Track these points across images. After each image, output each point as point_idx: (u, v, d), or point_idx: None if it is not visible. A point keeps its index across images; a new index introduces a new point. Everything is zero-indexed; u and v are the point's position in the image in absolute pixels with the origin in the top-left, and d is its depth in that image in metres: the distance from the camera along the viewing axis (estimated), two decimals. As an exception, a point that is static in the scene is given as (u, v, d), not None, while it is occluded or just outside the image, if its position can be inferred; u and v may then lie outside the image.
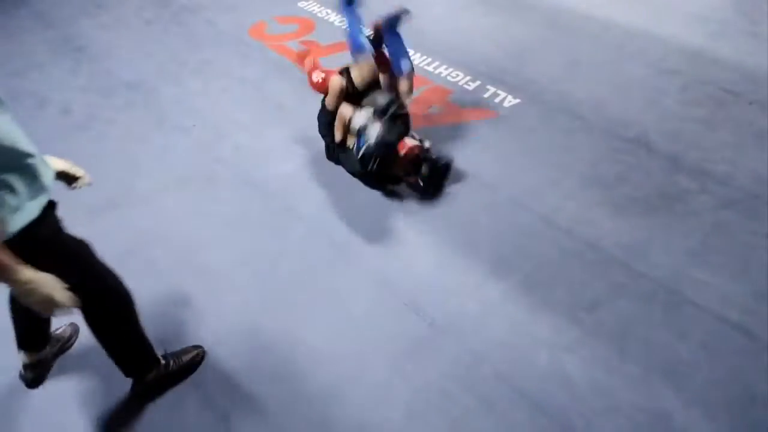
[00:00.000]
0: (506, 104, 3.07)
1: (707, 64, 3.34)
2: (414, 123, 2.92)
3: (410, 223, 2.43)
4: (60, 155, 2.78)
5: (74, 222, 2.40)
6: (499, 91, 3.14)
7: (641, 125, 2.91)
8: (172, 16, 3.82)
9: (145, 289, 2.17)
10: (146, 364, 1.79)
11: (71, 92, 3.16)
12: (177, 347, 1.98)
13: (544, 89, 3.17)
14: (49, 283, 1.28)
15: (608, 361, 1.93)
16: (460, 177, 2.63)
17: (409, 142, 2.49)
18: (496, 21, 3.77)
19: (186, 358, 1.90)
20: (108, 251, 2.29)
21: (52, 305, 1.30)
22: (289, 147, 2.80)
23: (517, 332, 2.02)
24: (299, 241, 2.36)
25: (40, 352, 1.88)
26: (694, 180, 2.60)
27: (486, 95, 3.13)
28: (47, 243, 1.41)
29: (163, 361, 1.83)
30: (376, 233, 2.39)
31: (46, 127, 2.94)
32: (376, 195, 2.56)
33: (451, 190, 2.58)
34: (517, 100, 3.08)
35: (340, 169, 2.68)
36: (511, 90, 3.14)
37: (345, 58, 3.41)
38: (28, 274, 1.25)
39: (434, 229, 2.40)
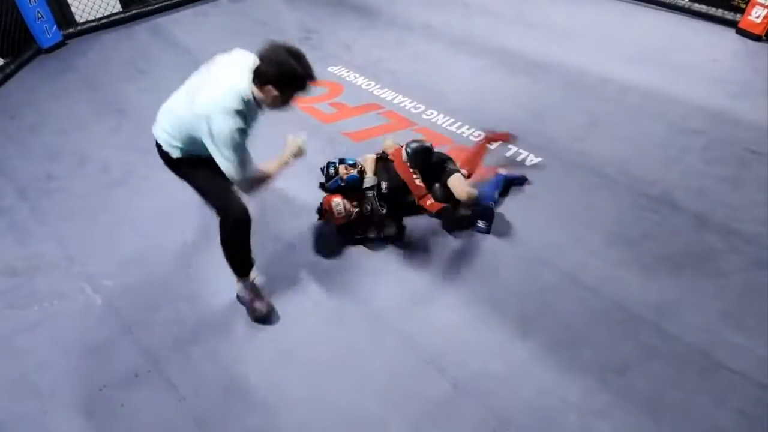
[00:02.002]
0: (528, 163, 3.11)
1: (729, 124, 3.36)
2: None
3: (432, 280, 2.43)
4: (96, 209, 2.95)
5: (104, 275, 2.52)
6: (520, 150, 3.20)
7: (665, 183, 2.91)
8: (208, 80, 4.06)
9: (167, 341, 2.21)
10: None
11: (111, 150, 3.34)
12: (196, 401, 1.97)
13: (566, 148, 3.22)
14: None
15: (641, 427, 1.84)
16: (483, 235, 2.64)
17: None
18: (517, 83, 3.90)
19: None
20: (136, 303, 2.37)
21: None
22: (315, 203, 2.87)
23: (544, 395, 1.96)
24: (317, 297, 2.37)
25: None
26: (723, 239, 2.56)
27: (508, 154, 3.19)
28: None
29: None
30: (397, 290, 2.39)
31: (85, 182, 3.09)
32: (397, 252, 2.58)
33: (475, 247, 2.58)
34: (539, 159, 3.13)
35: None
36: (533, 149, 3.20)
37: (371, 119, 3.56)
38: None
39: (457, 287, 2.39)
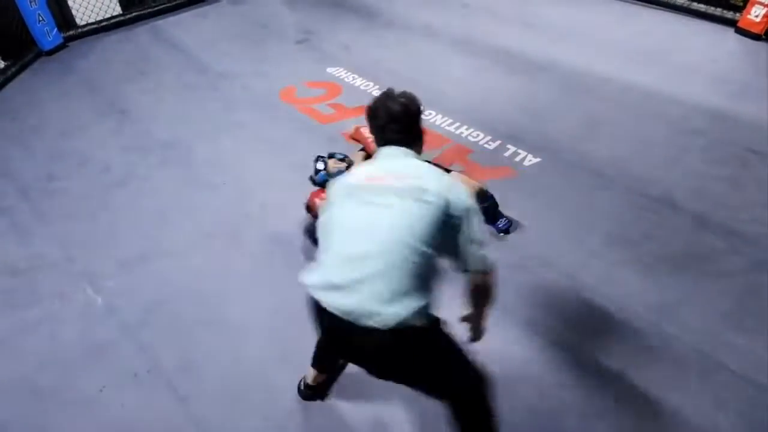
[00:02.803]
0: (526, 163, 3.11)
1: (729, 124, 3.36)
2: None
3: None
4: (97, 210, 2.95)
5: (105, 275, 2.52)
6: (519, 150, 3.20)
7: (665, 183, 2.91)
8: (209, 82, 4.07)
9: (167, 341, 2.21)
10: None
11: (112, 151, 3.34)
12: (199, 399, 1.97)
13: (565, 148, 3.22)
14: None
15: (642, 429, 1.84)
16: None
17: None
18: (515, 82, 3.90)
19: None
20: (136, 303, 2.37)
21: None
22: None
23: (543, 396, 1.95)
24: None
25: (326, 376, 1.99)
26: (724, 239, 2.56)
27: (506, 154, 3.19)
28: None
29: None
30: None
31: (86, 183, 3.10)
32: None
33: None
34: (538, 159, 3.13)
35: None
36: (531, 149, 3.20)
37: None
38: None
39: (455, 287, 2.38)
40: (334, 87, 3.94)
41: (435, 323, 1.44)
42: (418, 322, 1.34)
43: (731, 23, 4.47)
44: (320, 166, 2.59)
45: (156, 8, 5.16)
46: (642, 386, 1.97)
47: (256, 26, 4.94)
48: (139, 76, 4.19)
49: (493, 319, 2.24)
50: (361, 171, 1.53)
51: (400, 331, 1.31)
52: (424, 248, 1.35)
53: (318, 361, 1.93)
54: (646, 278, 2.38)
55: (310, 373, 1.97)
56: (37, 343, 2.23)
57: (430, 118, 3.56)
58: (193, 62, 4.36)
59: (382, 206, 1.39)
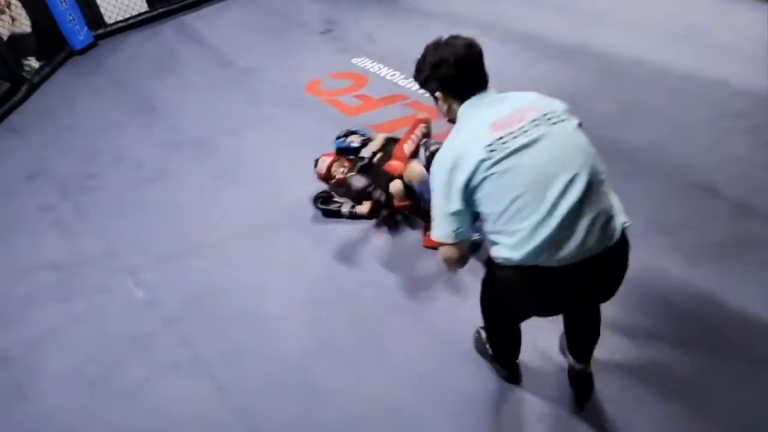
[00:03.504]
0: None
1: (774, 105, 3.22)
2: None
3: (467, 275, 2.42)
4: (133, 205, 3.03)
5: (145, 269, 2.59)
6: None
7: (705, 169, 2.82)
8: (234, 76, 4.11)
9: (207, 333, 2.26)
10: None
11: (145, 148, 3.42)
12: (240, 388, 2.02)
13: (599, 135, 3.07)
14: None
15: (681, 420, 1.81)
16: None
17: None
18: (545, 69, 3.81)
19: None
20: (175, 296, 2.43)
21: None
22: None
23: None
24: (358, 290, 2.39)
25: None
26: (767, 227, 2.47)
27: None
28: None
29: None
30: (436, 285, 2.38)
31: (122, 179, 3.18)
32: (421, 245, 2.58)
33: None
34: (571, 146, 3.06)
35: (397, 218, 2.73)
36: (564, 136, 3.13)
37: (396, 110, 3.54)
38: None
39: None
40: (360, 78, 3.92)
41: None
42: (625, 222, 1.40)
43: (773, 0, 4.26)
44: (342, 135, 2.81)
45: (180, 4, 5.21)
46: (681, 377, 1.93)
47: (278, 18, 4.95)
48: (166, 73, 4.26)
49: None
50: (479, 127, 1.35)
51: (620, 241, 1.39)
52: (596, 156, 1.39)
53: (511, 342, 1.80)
54: (687, 267, 2.32)
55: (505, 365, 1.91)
56: (85, 334, 2.31)
57: (458, 106, 3.52)
58: (218, 57, 4.40)
59: (543, 142, 1.31)
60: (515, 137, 1.32)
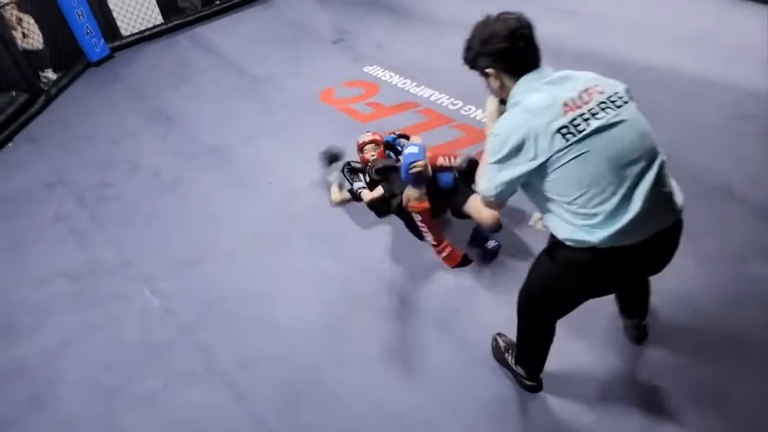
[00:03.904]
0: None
1: (787, 108, 3.19)
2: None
3: (481, 280, 2.41)
4: (149, 214, 3.06)
5: (161, 277, 2.61)
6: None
7: (720, 173, 2.79)
8: (248, 85, 4.16)
9: (223, 341, 2.27)
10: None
11: (160, 157, 3.46)
12: (256, 396, 2.02)
13: (612, 140, 3.12)
14: None
15: (708, 424, 1.78)
16: (526, 230, 2.60)
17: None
18: (557, 75, 3.81)
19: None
20: (190, 304, 2.45)
21: None
22: (360, 204, 2.90)
23: (604, 393, 1.91)
24: (372, 296, 2.39)
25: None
26: (787, 230, 2.44)
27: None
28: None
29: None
30: (449, 291, 2.37)
31: (138, 188, 3.22)
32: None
33: (519, 242, 2.55)
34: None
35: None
36: (577, 141, 3.12)
37: (408, 117, 3.56)
38: None
39: (507, 285, 2.35)
40: (372, 86, 3.95)
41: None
42: (682, 199, 1.47)
43: (782, 3, 4.24)
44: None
45: (195, 16, 5.29)
46: (707, 382, 1.90)
47: (291, 28, 5.00)
48: (181, 83, 4.31)
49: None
50: (548, 106, 1.34)
51: (679, 217, 1.46)
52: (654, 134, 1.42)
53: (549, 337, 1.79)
54: (706, 271, 2.29)
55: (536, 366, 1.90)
56: (101, 343, 2.33)
57: (469, 113, 3.53)
58: (232, 67, 4.46)
59: (615, 127, 1.34)
60: (587, 120, 1.32)
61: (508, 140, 1.36)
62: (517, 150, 1.35)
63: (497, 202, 1.50)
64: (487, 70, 1.46)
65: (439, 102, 3.68)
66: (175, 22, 5.19)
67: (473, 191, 2.33)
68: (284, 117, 3.71)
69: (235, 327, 2.33)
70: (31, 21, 4.23)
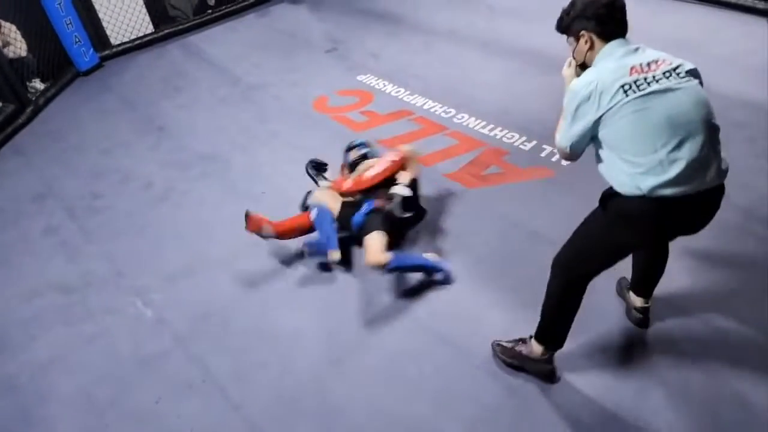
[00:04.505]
0: (564, 162, 3.07)
1: (774, 115, 3.25)
2: (471, 184, 2.98)
3: (474, 285, 2.41)
4: (141, 225, 3.02)
5: (153, 289, 2.57)
6: (555, 150, 3.15)
7: (711, 179, 2.83)
8: (242, 94, 4.14)
9: (217, 351, 2.24)
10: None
11: (152, 167, 3.42)
12: (253, 406, 1.99)
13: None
14: None
15: (700, 424, 1.79)
16: (523, 236, 2.61)
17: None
18: (547, 83, 3.85)
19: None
20: (184, 315, 2.42)
21: None
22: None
23: (600, 395, 1.91)
24: (366, 302, 2.38)
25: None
26: (777, 234, 2.47)
27: (543, 154, 3.16)
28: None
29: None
30: (448, 299, 2.37)
31: (129, 199, 3.18)
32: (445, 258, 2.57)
33: (515, 249, 2.55)
34: (578, 159, 3.08)
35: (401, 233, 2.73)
36: (570, 149, 3.15)
37: (402, 126, 3.57)
38: None
39: (506, 293, 2.36)
40: (366, 95, 3.96)
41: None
42: (728, 165, 1.60)
43: (764, 14, 4.37)
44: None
45: (186, 25, 5.28)
46: (698, 381, 1.92)
47: (284, 37, 5.01)
48: (173, 92, 4.29)
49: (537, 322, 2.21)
50: (620, 68, 1.54)
51: (722, 181, 1.58)
52: (713, 109, 1.57)
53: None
54: (695, 274, 2.32)
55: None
56: (94, 357, 2.29)
57: (462, 121, 3.55)
58: (225, 75, 4.45)
59: (673, 93, 1.51)
60: (649, 83, 1.51)
61: (578, 94, 1.56)
62: (585, 102, 1.54)
63: (572, 153, 1.66)
64: (582, 32, 1.64)
65: (432, 110, 3.70)
66: (166, 31, 5.17)
67: (380, 228, 2.41)
68: (278, 126, 3.71)
69: (229, 337, 2.30)
70: (13, 28, 4.17)
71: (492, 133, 3.40)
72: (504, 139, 3.33)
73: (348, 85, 4.09)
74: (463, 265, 2.50)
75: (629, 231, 1.64)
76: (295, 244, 2.72)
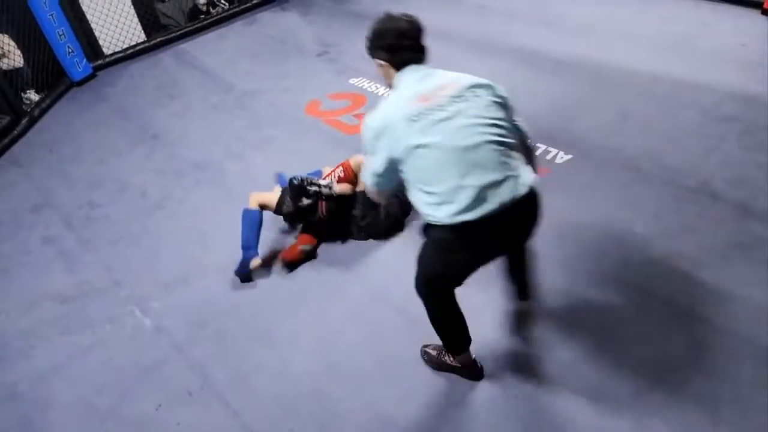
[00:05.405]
0: (558, 161, 3.09)
1: (765, 108, 3.27)
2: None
3: (469, 287, 2.43)
4: (138, 234, 3.03)
5: (151, 297, 2.59)
6: (550, 149, 3.18)
7: (703, 173, 2.85)
8: (235, 101, 4.16)
9: (216, 357, 2.26)
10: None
11: (147, 176, 3.44)
12: (252, 412, 2.01)
13: (596, 144, 3.18)
14: None
15: (699, 425, 1.80)
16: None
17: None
18: (540, 81, 3.87)
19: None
20: (182, 322, 2.43)
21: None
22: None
23: (595, 396, 1.93)
24: (364, 306, 2.39)
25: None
26: (769, 227, 2.49)
27: (537, 153, 3.17)
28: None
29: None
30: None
31: (126, 208, 3.19)
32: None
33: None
34: (569, 156, 3.10)
35: (398, 235, 2.74)
36: (562, 147, 3.17)
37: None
38: None
39: (496, 290, 2.37)
40: (358, 97, 3.97)
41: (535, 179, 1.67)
42: (532, 178, 1.63)
43: (757, 5, 4.38)
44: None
45: (178, 33, 5.29)
46: (696, 381, 1.93)
47: (275, 43, 5.02)
48: (167, 100, 4.30)
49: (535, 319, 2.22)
50: (407, 99, 1.56)
51: (529, 193, 1.59)
52: (507, 126, 1.61)
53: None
54: (691, 271, 2.34)
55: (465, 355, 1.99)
56: (93, 366, 2.30)
57: (455, 122, 3.56)
58: (218, 83, 4.46)
59: (458, 117, 1.53)
60: (434, 111, 1.53)
61: (371, 130, 1.59)
62: (379, 137, 1.57)
63: (379, 190, 1.72)
64: (379, 62, 1.69)
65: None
66: (159, 39, 5.18)
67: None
68: (271, 131, 3.72)
69: (228, 343, 2.32)
70: (5, 39, 4.18)
71: (485, 133, 3.41)
72: (497, 139, 3.34)
73: (340, 88, 4.11)
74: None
75: (452, 255, 1.64)
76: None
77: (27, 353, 2.40)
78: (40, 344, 2.43)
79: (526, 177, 1.60)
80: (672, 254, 2.43)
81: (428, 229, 1.65)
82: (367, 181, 1.71)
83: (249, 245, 2.56)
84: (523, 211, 1.62)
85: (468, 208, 1.51)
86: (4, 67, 4.13)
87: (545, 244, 2.56)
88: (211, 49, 5.08)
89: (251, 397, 2.09)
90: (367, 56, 1.81)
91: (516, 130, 1.72)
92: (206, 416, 2.05)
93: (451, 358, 2.00)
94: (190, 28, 5.36)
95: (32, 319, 2.56)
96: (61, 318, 2.54)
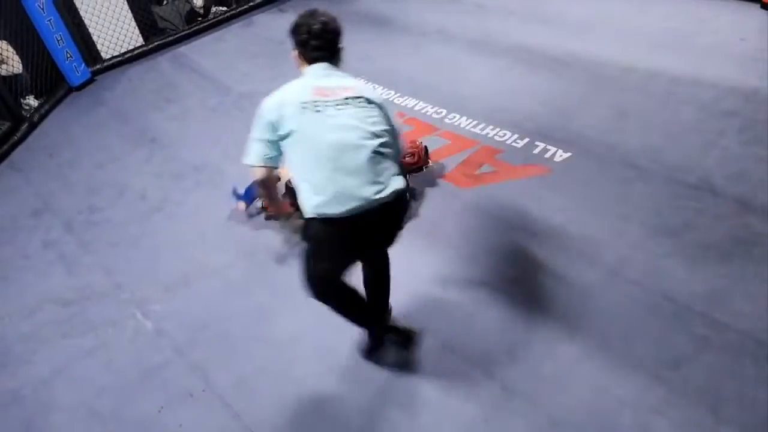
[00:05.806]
0: (557, 159, 3.09)
1: (764, 103, 3.27)
2: (464, 183, 2.99)
3: (468, 284, 2.43)
4: (138, 237, 3.04)
5: (152, 300, 2.59)
6: (548, 147, 3.18)
7: (702, 169, 2.85)
8: (233, 103, 4.16)
9: (218, 360, 2.26)
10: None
11: (147, 179, 3.44)
12: (253, 414, 2.01)
13: (595, 141, 3.18)
14: None
15: (700, 421, 1.80)
16: (518, 235, 2.63)
17: None
18: (539, 79, 3.87)
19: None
20: (183, 325, 2.43)
21: None
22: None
23: (596, 393, 1.93)
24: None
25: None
26: (769, 222, 2.49)
27: (536, 151, 3.17)
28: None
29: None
30: (438, 303, 2.39)
31: (125, 211, 3.20)
32: (429, 249, 2.58)
33: (513, 247, 2.57)
34: (569, 154, 3.10)
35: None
36: (561, 144, 3.17)
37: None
38: None
39: (497, 288, 2.38)
40: (356, 98, 3.97)
41: (405, 189, 1.78)
42: (399, 187, 1.72)
43: (756, 0, 4.37)
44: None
45: (176, 36, 5.30)
46: (697, 377, 1.93)
47: (272, 45, 5.02)
48: (165, 104, 4.31)
49: (535, 317, 2.23)
50: (305, 87, 1.70)
51: (396, 197, 1.71)
52: (386, 137, 1.72)
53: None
54: (692, 267, 2.33)
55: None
56: (95, 369, 2.31)
57: (453, 121, 3.57)
58: (216, 85, 4.46)
59: (344, 117, 1.65)
60: (327, 105, 1.66)
61: (266, 110, 1.71)
62: (270, 114, 1.69)
63: (258, 169, 1.79)
64: (293, 52, 1.83)
65: (423, 111, 3.72)
66: (156, 43, 5.19)
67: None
68: (270, 133, 3.72)
69: (229, 345, 2.32)
70: (4, 45, 4.19)
71: (484, 132, 3.42)
72: (496, 138, 3.34)
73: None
74: (457, 265, 2.52)
75: (324, 245, 1.73)
76: (289, 253, 2.75)
77: (29, 357, 2.40)
78: (42, 348, 2.43)
79: (394, 185, 1.71)
80: (671, 251, 2.42)
81: (304, 230, 1.77)
82: (247, 160, 1.78)
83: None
84: (385, 216, 1.72)
85: (331, 203, 1.63)
86: (3, 73, 4.15)
87: (546, 242, 2.57)
88: (209, 51, 5.09)
89: (253, 399, 2.09)
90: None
91: (395, 148, 1.79)
92: (208, 418, 2.05)
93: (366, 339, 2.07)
94: (188, 31, 5.37)
95: (33, 323, 2.57)
96: (63, 321, 2.55)
